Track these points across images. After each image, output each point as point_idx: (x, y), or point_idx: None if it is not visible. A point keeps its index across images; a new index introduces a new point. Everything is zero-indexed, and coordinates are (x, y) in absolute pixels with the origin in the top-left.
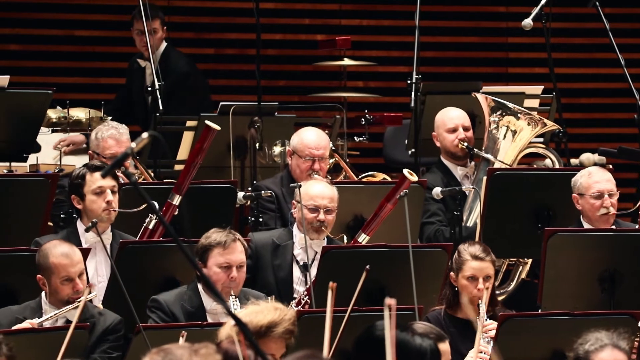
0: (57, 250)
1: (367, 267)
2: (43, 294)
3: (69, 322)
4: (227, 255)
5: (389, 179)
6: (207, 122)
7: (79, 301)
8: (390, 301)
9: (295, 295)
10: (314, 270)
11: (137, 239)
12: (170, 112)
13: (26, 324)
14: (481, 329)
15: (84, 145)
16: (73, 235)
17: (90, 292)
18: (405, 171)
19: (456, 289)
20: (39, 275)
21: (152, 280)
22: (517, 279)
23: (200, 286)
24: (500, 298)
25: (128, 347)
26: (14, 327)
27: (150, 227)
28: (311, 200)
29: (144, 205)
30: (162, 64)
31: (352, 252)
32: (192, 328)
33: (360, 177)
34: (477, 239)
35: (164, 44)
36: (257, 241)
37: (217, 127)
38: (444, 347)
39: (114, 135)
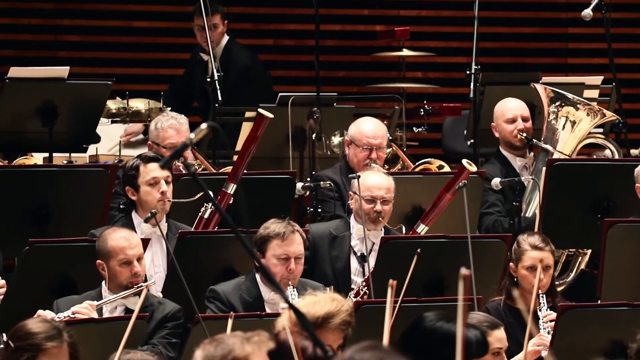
0: (116, 234)
1: (418, 250)
2: (103, 283)
3: (128, 310)
4: (285, 247)
5: (445, 165)
6: (260, 110)
7: (138, 287)
8: (465, 272)
9: (353, 286)
10: (371, 261)
11: (194, 229)
12: (232, 105)
13: (86, 304)
14: (531, 320)
15: (141, 136)
16: (128, 227)
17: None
18: (465, 161)
19: (515, 279)
20: (98, 261)
21: (210, 270)
22: (576, 269)
23: (258, 276)
24: (559, 289)
25: (187, 338)
26: (73, 308)
27: (206, 216)
28: (368, 191)
29: (199, 195)
30: (223, 58)
31: (411, 243)
32: (251, 318)
33: (416, 164)
34: (536, 229)
35: (226, 38)
36: (315, 233)
37: (270, 115)
38: (498, 334)
39: (173, 126)
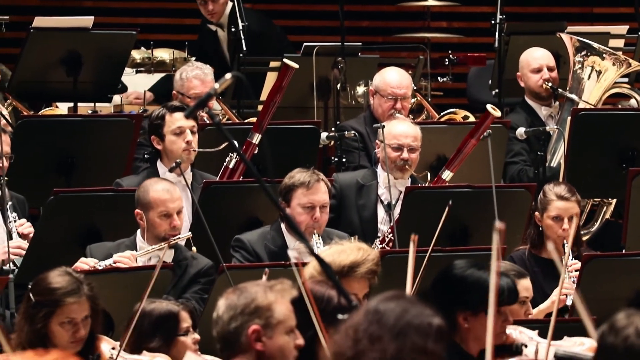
0: (158, 185)
1: (450, 202)
2: (138, 232)
3: (164, 263)
4: (310, 196)
5: (470, 115)
6: (285, 60)
7: (176, 239)
8: (500, 225)
9: (379, 235)
10: (398, 210)
11: (218, 179)
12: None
13: (128, 254)
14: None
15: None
16: (153, 176)
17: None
18: (489, 106)
19: (541, 229)
20: (137, 210)
21: (235, 220)
22: (601, 219)
23: (283, 226)
24: (584, 238)
25: (212, 287)
26: (115, 255)
27: (231, 166)
28: (394, 139)
29: (224, 145)
30: (231, 27)
31: (436, 193)
32: (276, 268)
33: (441, 114)
34: (560, 179)
35: (229, 6)
36: (342, 182)
37: (295, 65)
38: (525, 283)
39: (198, 76)
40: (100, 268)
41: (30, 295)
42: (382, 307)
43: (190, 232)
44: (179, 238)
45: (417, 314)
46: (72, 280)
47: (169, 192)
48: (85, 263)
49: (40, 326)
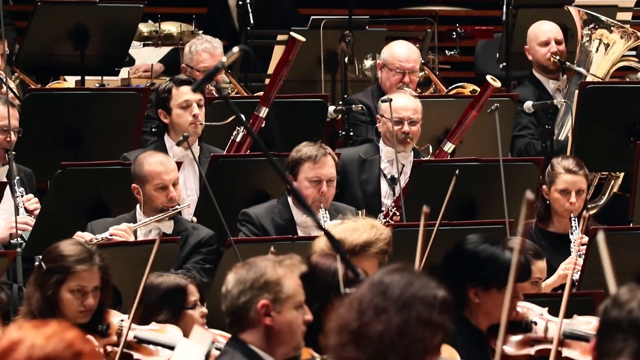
0: (152, 158)
1: (457, 172)
2: (138, 206)
3: (164, 234)
4: (317, 170)
5: (479, 90)
6: (292, 33)
7: (173, 209)
8: (530, 196)
9: (382, 209)
10: (401, 183)
11: (226, 153)
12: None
13: (124, 226)
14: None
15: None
16: (161, 150)
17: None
18: (489, 77)
19: (548, 202)
20: (133, 185)
21: (242, 193)
22: (608, 192)
23: (290, 199)
24: (591, 212)
25: (219, 261)
26: (111, 228)
27: (238, 139)
28: (395, 113)
29: (231, 118)
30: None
31: (443, 166)
32: (283, 242)
33: (449, 88)
34: (568, 152)
35: None
36: (344, 157)
37: (302, 39)
38: (541, 264)
39: (208, 49)
40: (96, 241)
41: (42, 263)
42: (387, 279)
43: (189, 203)
44: (177, 209)
45: (422, 286)
46: (84, 250)
47: (163, 164)
48: (81, 237)
49: (51, 293)
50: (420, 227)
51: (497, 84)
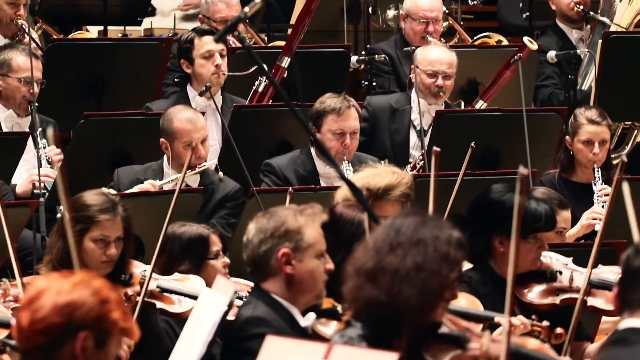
0: (181, 115)
1: (472, 144)
2: (165, 157)
3: (188, 187)
4: (341, 122)
5: (504, 40)
6: None
7: (201, 167)
8: (524, 171)
9: (410, 160)
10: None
11: (248, 103)
12: None
13: (147, 185)
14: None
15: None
16: (183, 100)
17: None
18: (526, 39)
19: (571, 152)
20: (162, 139)
21: (265, 144)
22: (632, 142)
23: (313, 150)
24: (615, 162)
25: (242, 211)
26: (135, 187)
27: (260, 89)
28: (430, 66)
29: (253, 68)
30: None
31: (466, 117)
32: (305, 192)
33: (474, 38)
34: (591, 102)
35: None
36: (375, 105)
37: None
38: (565, 214)
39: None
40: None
41: (66, 212)
42: (401, 221)
43: (216, 160)
44: (204, 166)
45: (437, 226)
46: (107, 200)
47: (193, 122)
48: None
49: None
50: (432, 168)
51: (534, 46)
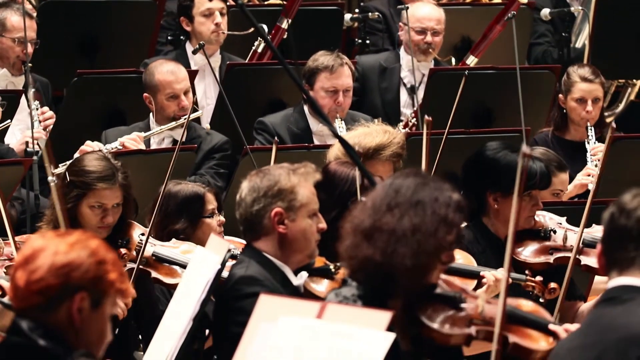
0: (162, 67)
1: (466, 72)
2: (151, 114)
3: (175, 142)
4: (334, 80)
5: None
6: None
7: (185, 118)
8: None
9: (402, 118)
10: (421, 93)
11: (244, 61)
12: None
13: (134, 135)
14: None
15: None
16: (182, 57)
17: (195, 111)
18: None
19: (564, 111)
20: (145, 94)
21: (258, 102)
22: (625, 100)
23: (306, 108)
24: (608, 120)
25: (235, 169)
26: (121, 139)
27: (259, 50)
28: (418, 22)
29: (252, 29)
30: None
31: (460, 74)
32: (299, 150)
33: None
34: (585, 60)
35: None
36: (364, 64)
37: None
38: (563, 176)
39: None
40: (105, 151)
41: (66, 174)
42: (401, 181)
43: (201, 111)
44: (188, 118)
45: (437, 187)
46: (108, 166)
47: (174, 73)
48: (89, 146)
49: (71, 206)
50: (424, 135)
51: None
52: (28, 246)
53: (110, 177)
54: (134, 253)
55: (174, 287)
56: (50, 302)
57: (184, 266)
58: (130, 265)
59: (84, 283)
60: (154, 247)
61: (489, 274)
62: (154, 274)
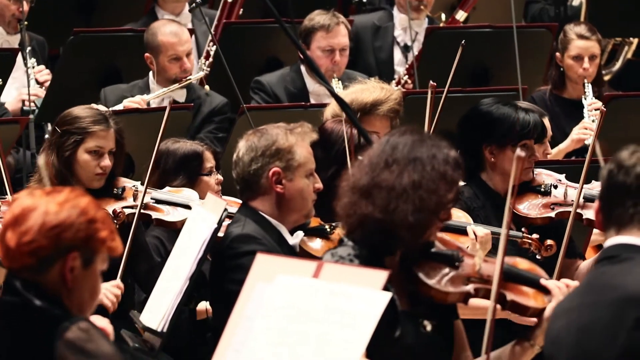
0: (165, 28)
1: (463, 42)
2: (151, 73)
3: (176, 102)
4: (330, 39)
5: None
6: None
7: (186, 80)
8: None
9: (395, 76)
10: (414, 51)
11: (218, 14)
12: None
13: (138, 99)
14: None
15: None
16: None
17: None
18: None
19: (562, 69)
20: (146, 54)
21: (255, 61)
22: (622, 58)
23: (303, 68)
24: (605, 78)
25: (232, 128)
26: (125, 102)
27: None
28: None
29: None
30: None
31: (456, 33)
32: (295, 109)
33: None
34: (582, 18)
35: None
36: (358, 24)
37: None
38: (545, 122)
39: None
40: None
41: (56, 127)
42: (397, 138)
43: (202, 73)
44: (189, 79)
45: (434, 145)
46: (98, 112)
47: (177, 35)
48: (134, 102)
49: (69, 154)
50: (428, 99)
51: None
52: (17, 205)
53: (104, 120)
54: (131, 200)
55: (176, 225)
56: (42, 263)
57: (183, 206)
58: (128, 211)
59: (75, 243)
60: (151, 193)
61: (478, 230)
62: (155, 215)
